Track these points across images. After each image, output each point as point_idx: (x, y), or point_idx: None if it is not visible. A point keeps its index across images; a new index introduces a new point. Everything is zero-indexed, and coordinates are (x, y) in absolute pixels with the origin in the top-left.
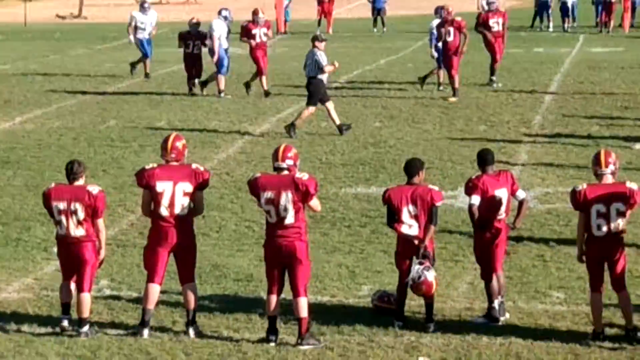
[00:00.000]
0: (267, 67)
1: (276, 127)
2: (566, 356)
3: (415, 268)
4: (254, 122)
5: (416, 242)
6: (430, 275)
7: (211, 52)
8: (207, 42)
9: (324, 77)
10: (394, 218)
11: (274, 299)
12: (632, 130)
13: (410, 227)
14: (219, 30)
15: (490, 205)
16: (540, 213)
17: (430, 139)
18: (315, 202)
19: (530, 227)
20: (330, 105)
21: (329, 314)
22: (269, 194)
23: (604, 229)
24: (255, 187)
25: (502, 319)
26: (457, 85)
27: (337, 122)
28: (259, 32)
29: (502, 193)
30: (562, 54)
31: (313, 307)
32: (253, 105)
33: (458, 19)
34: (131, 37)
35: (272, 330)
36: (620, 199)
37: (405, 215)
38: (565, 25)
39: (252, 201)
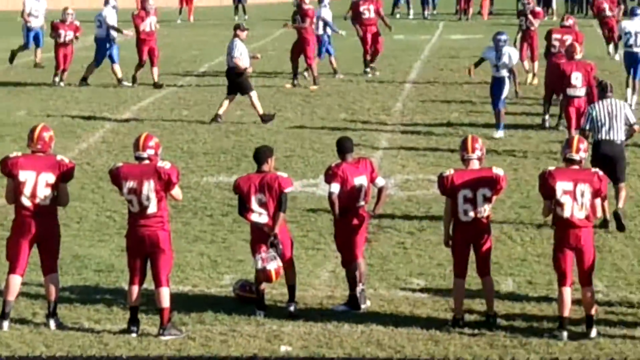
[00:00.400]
0: (158, 57)
1: (137, 115)
2: (427, 342)
3: (260, 256)
4: (115, 111)
5: (266, 229)
6: (271, 265)
7: (99, 41)
8: (113, 32)
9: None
10: (244, 206)
11: (135, 289)
12: (491, 117)
13: (260, 215)
14: (112, 19)
15: (350, 193)
16: (400, 200)
17: (292, 127)
18: (177, 191)
19: (391, 215)
20: (232, 97)
21: (190, 304)
22: (131, 184)
23: (471, 214)
24: (116, 176)
25: (363, 306)
26: (316, 73)
27: (221, 111)
28: (149, 22)
29: (361, 180)
30: (422, 41)
31: (175, 297)
32: (114, 94)
33: (308, 7)
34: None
35: (134, 321)
36: (487, 185)
37: (254, 204)
38: (425, 12)
39: (114, 191)
